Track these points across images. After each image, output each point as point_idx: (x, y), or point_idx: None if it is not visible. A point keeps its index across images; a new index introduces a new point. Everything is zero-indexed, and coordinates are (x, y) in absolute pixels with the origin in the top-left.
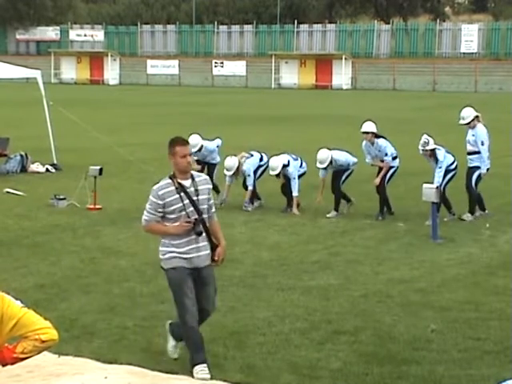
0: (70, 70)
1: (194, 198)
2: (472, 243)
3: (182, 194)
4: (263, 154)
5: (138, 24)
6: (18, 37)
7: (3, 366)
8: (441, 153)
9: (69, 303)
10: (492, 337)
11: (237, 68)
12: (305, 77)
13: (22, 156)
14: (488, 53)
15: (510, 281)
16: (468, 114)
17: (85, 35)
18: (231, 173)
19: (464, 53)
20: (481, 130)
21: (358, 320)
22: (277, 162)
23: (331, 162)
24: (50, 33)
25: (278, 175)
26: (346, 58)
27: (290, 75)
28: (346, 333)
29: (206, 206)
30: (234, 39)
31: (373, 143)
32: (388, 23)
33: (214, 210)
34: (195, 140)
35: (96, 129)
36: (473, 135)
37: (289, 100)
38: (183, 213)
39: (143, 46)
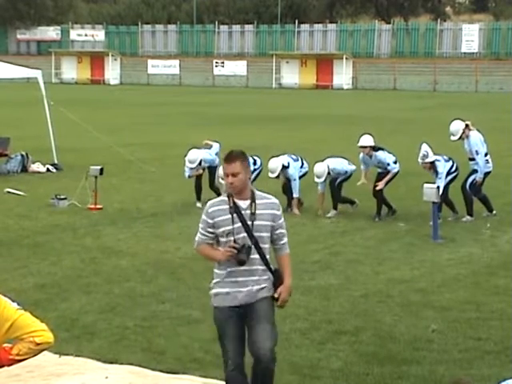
0: (70, 70)
1: (249, 223)
2: (473, 243)
3: (235, 215)
4: (256, 158)
5: (139, 24)
6: (18, 37)
7: (0, 367)
8: (440, 164)
9: (69, 303)
10: (493, 337)
11: (237, 68)
12: (305, 77)
13: (22, 156)
14: (489, 53)
15: (511, 281)
16: (456, 128)
17: (85, 35)
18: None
19: (465, 53)
20: (474, 138)
21: (358, 320)
22: (275, 164)
23: (329, 173)
24: (51, 33)
25: (277, 176)
26: (346, 58)
27: (291, 75)
28: (347, 333)
29: (265, 234)
30: (235, 39)
31: (371, 156)
32: (389, 23)
33: (284, 240)
34: (194, 155)
35: (96, 129)
36: (467, 146)
37: (290, 100)
38: (231, 237)
39: (144, 45)
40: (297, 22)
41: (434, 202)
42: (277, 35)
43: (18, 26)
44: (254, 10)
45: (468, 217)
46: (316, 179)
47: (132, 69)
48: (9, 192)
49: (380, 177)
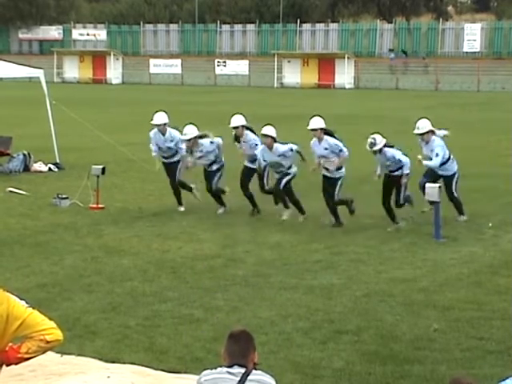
0: (72, 69)
1: None
2: (475, 242)
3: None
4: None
5: (141, 23)
6: (20, 36)
7: (7, 365)
8: (390, 150)
9: (71, 302)
10: (494, 336)
11: (239, 67)
12: (307, 76)
13: (24, 155)
14: (491, 52)
15: None
16: (424, 125)
17: (87, 34)
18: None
19: (467, 52)
20: (437, 141)
21: (360, 319)
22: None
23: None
24: (53, 32)
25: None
26: (348, 58)
27: (293, 74)
28: (349, 332)
29: None
30: (237, 38)
31: (320, 140)
32: (391, 22)
33: None
34: (190, 128)
35: (98, 128)
36: (431, 150)
37: (291, 99)
38: None
39: (146, 45)
40: (299, 21)
41: (435, 202)
42: (279, 34)
43: (20, 25)
44: (255, 10)
45: (461, 216)
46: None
47: (134, 68)
48: (11, 191)
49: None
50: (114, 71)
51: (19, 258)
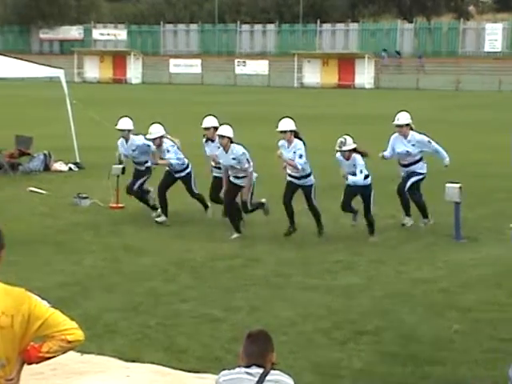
0: (93, 69)
1: None
2: (495, 243)
3: None
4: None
5: (161, 23)
6: (41, 36)
7: (28, 364)
8: (359, 157)
9: (91, 301)
10: None
11: (259, 67)
12: (327, 76)
13: (45, 155)
14: None
15: None
16: (403, 117)
17: (108, 34)
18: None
19: (488, 52)
20: (417, 136)
21: (380, 320)
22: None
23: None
24: (74, 32)
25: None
26: (368, 58)
27: (313, 74)
28: (369, 333)
29: None
30: (257, 38)
31: (290, 142)
32: (411, 22)
33: None
34: (157, 127)
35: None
36: (413, 145)
37: (312, 99)
38: None
39: (166, 45)
40: (319, 21)
41: (456, 202)
42: (299, 34)
43: (41, 25)
44: (275, 10)
45: (423, 220)
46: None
47: (154, 68)
48: (32, 191)
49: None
50: (134, 71)
51: (40, 257)
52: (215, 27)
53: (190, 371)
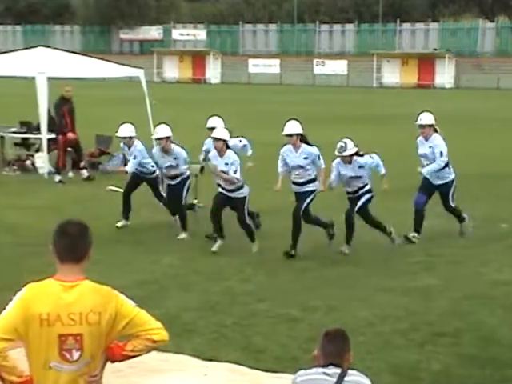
0: (172, 69)
1: None
2: None
3: None
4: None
5: (240, 23)
6: (121, 36)
7: (112, 362)
8: (364, 159)
9: (170, 301)
10: None
11: (338, 67)
12: (407, 76)
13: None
14: None
15: None
16: (426, 117)
17: (187, 34)
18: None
19: None
20: (439, 139)
21: (459, 322)
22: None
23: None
24: (153, 32)
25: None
26: (449, 57)
27: (392, 74)
28: (447, 335)
29: None
30: (336, 38)
31: (428, 138)
32: (493, 21)
33: None
34: (164, 127)
35: (197, 127)
36: (430, 147)
37: (391, 99)
38: None
39: (245, 44)
40: (398, 20)
41: None
42: (378, 34)
43: (121, 25)
44: (354, 9)
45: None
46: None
47: (233, 68)
48: (111, 190)
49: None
50: (213, 71)
51: (120, 256)
52: (294, 27)
53: (267, 371)
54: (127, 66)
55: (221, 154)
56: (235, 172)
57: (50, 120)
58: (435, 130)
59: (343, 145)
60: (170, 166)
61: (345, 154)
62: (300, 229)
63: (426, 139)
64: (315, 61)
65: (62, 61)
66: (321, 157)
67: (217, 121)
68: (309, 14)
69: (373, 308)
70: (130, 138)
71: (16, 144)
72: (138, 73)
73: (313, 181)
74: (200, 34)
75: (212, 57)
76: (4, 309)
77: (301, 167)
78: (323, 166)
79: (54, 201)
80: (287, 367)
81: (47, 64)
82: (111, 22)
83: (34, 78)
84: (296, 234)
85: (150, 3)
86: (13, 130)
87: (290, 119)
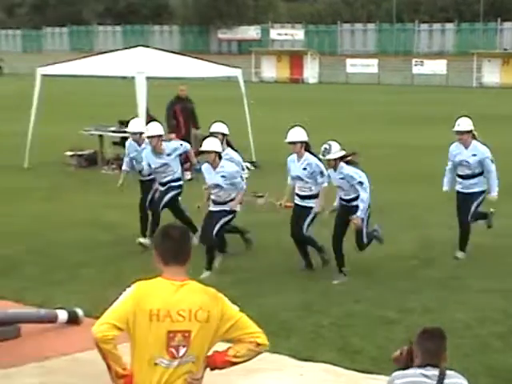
0: (270, 69)
1: None
2: None
3: None
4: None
5: (338, 23)
6: (220, 36)
7: (211, 369)
8: (350, 168)
9: (266, 299)
10: None
11: (437, 67)
12: (508, 75)
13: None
14: None
15: None
16: (465, 122)
17: (285, 34)
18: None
19: None
20: (481, 146)
21: None
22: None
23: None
24: (252, 32)
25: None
26: None
27: (492, 74)
28: None
29: None
30: (435, 38)
31: (467, 145)
32: None
33: None
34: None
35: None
36: (473, 155)
37: (491, 99)
38: None
39: (343, 44)
40: (499, 19)
41: None
42: (478, 33)
43: (220, 25)
44: (455, 8)
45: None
46: None
47: (331, 68)
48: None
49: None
50: (311, 71)
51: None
52: (393, 26)
53: (363, 372)
54: (225, 65)
55: (214, 166)
56: (240, 183)
57: (149, 119)
58: (473, 137)
59: (327, 147)
60: (163, 166)
61: (328, 157)
62: (307, 246)
63: (466, 147)
64: (414, 60)
65: (161, 61)
66: (324, 172)
67: (220, 126)
68: (408, 13)
69: (470, 310)
70: (141, 133)
71: (114, 143)
72: (236, 72)
73: (314, 197)
74: (298, 33)
75: (310, 56)
76: (111, 305)
77: (300, 179)
78: (324, 184)
79: None
80: (384, 369)
81: (146, 64)
82: (210, 22)
83: (133, 77)
84: (305, 250)
85: (249, 3)
86: (112, 128)
87: (295, 126)
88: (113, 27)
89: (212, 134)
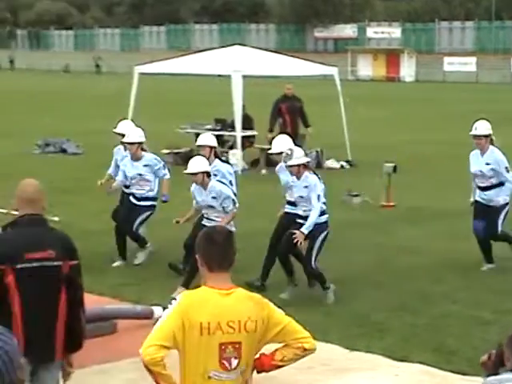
0: (366, 67)
1: None
2: None
3: None
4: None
5: (436, 20)
6: (316, 34)
7: (258, 372)
8: (313, 179)
9: (361, 299)
10: None
11: None
12: None
13: (317, 152)
14: None
15: None
16: (483, 126)
17: (382, 32)
18: None
19: None
20: (497, 153)
21: None
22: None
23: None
24: (348, 30)
25: None
26: None
27: None
28: None
29: None
30: None
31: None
32: None
33: None
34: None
35: (390, 126)
36: (487, 163)
37: None
38: None
39: (440, 42)
40: None
41: None
42: None
43: (316, 24)
44: None
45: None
46: None
47: (428, 66)
48: None
49: None
50: (408, 69)
51: None
52: (492, 24)
53: (458, 373)
54: (321, 64)
55: (204, 186)
56: (228, 207)
57: (245, 118)
58: (491, 142)
59: (289, 152)
60: (138, 177)
61: (290, 163)
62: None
63: (482, 154)
64: None
65: (258, 59)
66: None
67: (207, 139)
68: (507, 10)
69: None
70: (123, 135)
71: None
72: (332, 71)
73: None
74: (395, 31)
75: (406, 55)
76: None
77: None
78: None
79: (245, 198)
80: (480, 370)
81: (243, 62)
82: (306, 21)
83: (229, 76)
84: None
85: (345, 1)
86: (208, 127)
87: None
88: (209, 26)
89: (199, 147)
